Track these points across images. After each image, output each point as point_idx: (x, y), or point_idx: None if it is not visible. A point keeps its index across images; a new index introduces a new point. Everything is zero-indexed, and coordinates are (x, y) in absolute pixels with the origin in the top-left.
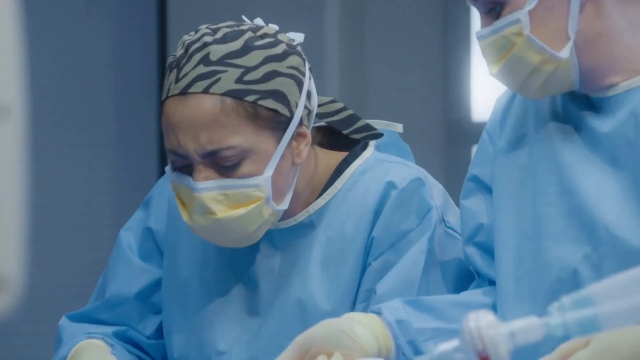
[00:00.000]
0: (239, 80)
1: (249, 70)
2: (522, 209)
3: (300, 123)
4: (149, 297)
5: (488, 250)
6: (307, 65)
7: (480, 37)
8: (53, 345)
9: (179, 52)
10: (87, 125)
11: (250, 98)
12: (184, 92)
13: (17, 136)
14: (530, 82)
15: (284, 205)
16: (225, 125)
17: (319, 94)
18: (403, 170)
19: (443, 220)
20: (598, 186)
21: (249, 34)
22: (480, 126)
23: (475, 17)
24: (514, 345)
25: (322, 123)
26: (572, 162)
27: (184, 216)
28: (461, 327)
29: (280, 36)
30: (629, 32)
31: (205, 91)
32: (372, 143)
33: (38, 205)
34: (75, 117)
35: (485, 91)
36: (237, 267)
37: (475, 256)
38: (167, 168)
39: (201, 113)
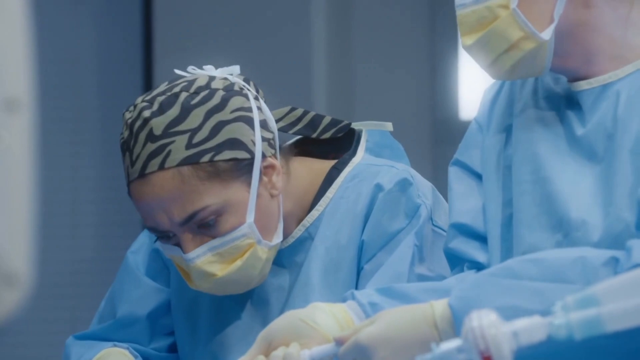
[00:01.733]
0: (188, 145)
1: (194, 132)
2: (504, 198)
3: (264, 157)
4: (160, 318)
5: (472, 234)
6: (252, 96)
7: (460, 6)
8: (60, 343)
9: (126, 133)
10: (94, 124)
11: (206, 158)
12: (142, 175)
13: (27, 131)
14: (504, 59)
15: (278, 238)
16: (191, 192)
17: (307, 93)
18: (390, 172)
19: (431, 219)
20: (572, 176)
21: (183, 95)
22: (468, 124)
23: None
24: (517, 345)
25: (293, 138)
26: (549, 152)
27: (188, 283)
28: (463, 327)
29: (214, 84)
30: (614, 27)
31: (161, 167)
32: (361, 147)
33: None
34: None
35: (472, 90)
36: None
37: (460, 244)
38: (154, 243)
39: (164, 189)
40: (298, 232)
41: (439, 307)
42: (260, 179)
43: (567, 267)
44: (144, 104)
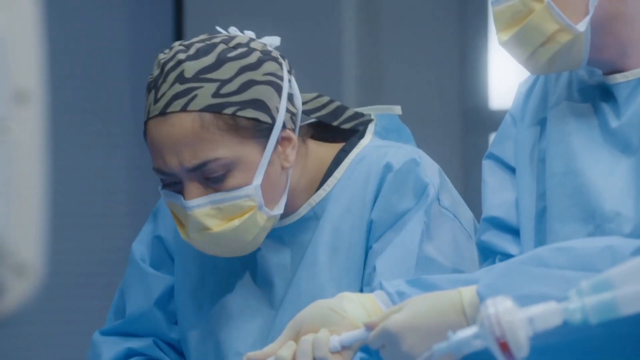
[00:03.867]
0: (215, 94)
1: (224, 83)
2: (537, 191)
3: (284, 127)
4: (167, 305)
5: (505, 227)
6: (286, 68)
7: (495, 2)
8: (71, 333)
9: (155, 72)
10: (103, 116)
11: (229, 110)
12: (163, 113)
13: (38, 123)
14: (541, 52)
15: (279, 209)
16: (207, 140)
17: (336, 83)
18: (398, 152)
19: (438, 199)
20: (606, 168)
21: (221, 47)
22: (498, 114)
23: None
24: (533, 331)
25: (312, 120)
26: (582, 145)
27: (182, 234)
28: (479, 314)
29: (253, 44)
30: None
31: (184, 109)
32: (370, 130)
33: (57, 195)
34: (93, 108)
35: (502, 79)
36: (250, 267)
37: (492, 237)
38: (160, 189)
39: (182, 131)
40: (303, 210)
41: (468, 294)
42: (276, 147)
43: (596, 256)
44: (181, 47)
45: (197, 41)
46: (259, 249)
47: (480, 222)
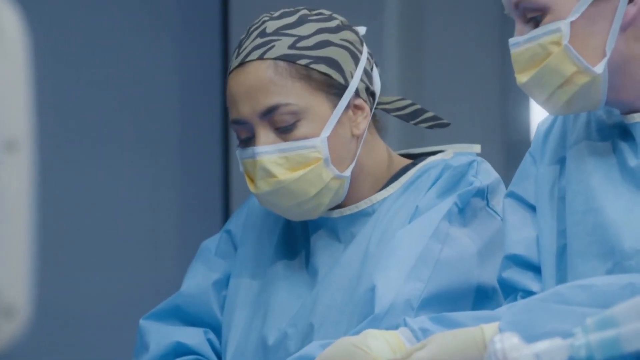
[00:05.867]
0: (292, 46)
1: (302, 38)
2: (558, 228)
3: (357, 95)
4: (221, 290)
5: (526, 264)
6: (366, 49)
7: (514, 45)
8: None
9: (243, 36)
10: (151, 143)
11: (303, 62)
12: (242, 63)
13: (25, 170)
14: (559, 94)
15: (347, 172)
16: (279, 84)
17: (377, 111)
18: (461, 157)
19: (487, 199)
20: (625, 206)
21: (304, 12)
22: None
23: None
24: None
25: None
26: (601, 183)
27: (251, 187)
28: (487, 350)
29: (336, 15)
30: None
31: (260, 57)
32: (440, 156)
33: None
34: (140, 135)
35: (544, 112)
36: (303, 256)
37: (514, 274)
38: (237, 150)
39: (256, 77)
40: (363, 204)
41: (489, 331)
42: (347, 110)
43: (616, 293)
44: (269, 14)
45: (284, 9)
46: (309, 238)
47: (502, 260)
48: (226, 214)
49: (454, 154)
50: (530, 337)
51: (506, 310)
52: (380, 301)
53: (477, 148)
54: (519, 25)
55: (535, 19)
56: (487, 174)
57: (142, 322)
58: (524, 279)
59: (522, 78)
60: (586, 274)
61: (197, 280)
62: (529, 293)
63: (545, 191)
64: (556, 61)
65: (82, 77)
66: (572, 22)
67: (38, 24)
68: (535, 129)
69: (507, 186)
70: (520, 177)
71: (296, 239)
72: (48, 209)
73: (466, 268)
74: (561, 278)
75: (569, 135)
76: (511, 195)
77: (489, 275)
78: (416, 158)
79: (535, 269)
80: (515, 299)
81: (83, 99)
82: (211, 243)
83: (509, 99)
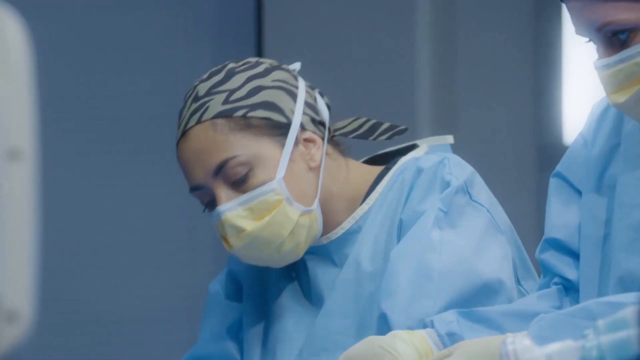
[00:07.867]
0: (225, 101)
1: (233, 91)
2: (603, 217)
3: (304, 129)
4: (238, 333)
5: (565, 249)
6: (303, 82)
7: (603, 67)
8: None
9: (181, 106)
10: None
11: (240, 112)
12: (184, 132)
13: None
14: None
15: (314, 205)
16: (222, 141)
17: (410, 122)
18: (430, 157)
19: (468, 193)
20: None
21: (230, 65)
22: None
23: (567, 38)
24: None
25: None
26: None
27: (227, 247)
28: (498, 352)
29: (262, 60)
30: None
31: (198, 121)
32: (412, 154)
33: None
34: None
35: (577, 114)
36: (304, 286)
37: (552, 258)
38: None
39: (199, 141)
40: (347, 224)
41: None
42: (296, 146)
43: None
44: (198, 78)
45: (212, 69)
46: (307, 267)
47: (541, 241)
48: None
49: (428, 147)
50: None
51: (534, 323)
52: (396, 328)
53: (450, 139)
54: (602, 48)
55: (619, 38)
56: (461, 169)
57: None
58: (561, 264)
59: (618, 98)
60: (630, 270)
61: (212, 328)
62: (564, 279)
63: (594, 177)
64: None
65: (91, 83)
66: None
67: (45, 32)
68: (590, 111)
69: (538, 200)
70: (569, 159)
71: (297, 271)
72: (52, 216)
73: (468, 269)
74: (600, 268)
75: (625, 123)
76: (558, 175)
77: (490, 268)
78: (389, 160)
79: (574, 255)
80: (551, 280)
81: (96, 111)
82: (219, 286)
83: (542, 102)
